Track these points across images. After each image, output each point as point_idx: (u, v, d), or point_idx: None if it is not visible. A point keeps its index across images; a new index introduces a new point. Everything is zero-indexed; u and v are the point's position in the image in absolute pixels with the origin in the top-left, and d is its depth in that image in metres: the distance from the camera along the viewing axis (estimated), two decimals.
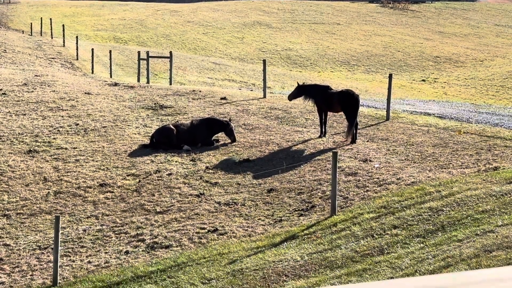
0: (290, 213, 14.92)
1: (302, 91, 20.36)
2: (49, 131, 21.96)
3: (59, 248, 13.19)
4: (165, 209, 15.86)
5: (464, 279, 2.40)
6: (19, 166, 18.97)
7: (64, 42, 47.82)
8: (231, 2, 78.12)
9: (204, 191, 16.72)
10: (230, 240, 13.84)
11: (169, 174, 17.87)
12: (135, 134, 21.56)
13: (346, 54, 56.74)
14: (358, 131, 19.69)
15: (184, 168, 18.33)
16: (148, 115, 23.77)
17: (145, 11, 72.61)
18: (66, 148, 20.36)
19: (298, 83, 20.75)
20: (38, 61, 40.89)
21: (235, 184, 16.99)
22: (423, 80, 49.01)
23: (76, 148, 20.39)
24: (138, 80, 34.83)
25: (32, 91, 27.34)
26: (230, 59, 53.64)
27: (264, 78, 27.00)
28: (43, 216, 16.17)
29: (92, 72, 39.00)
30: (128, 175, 18.08)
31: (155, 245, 14.13)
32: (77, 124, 22.58)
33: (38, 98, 26.24)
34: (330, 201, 14.53)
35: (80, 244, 14.66)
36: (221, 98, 26.14)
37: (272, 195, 16.07)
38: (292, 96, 20.79)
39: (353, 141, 19.18)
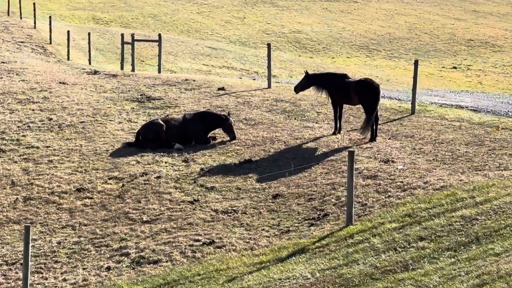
0: (299, 223, 14.92)
1: (311, 81, 20.35)
2: (18, 127, 21.98)
3: (30, 263, 13.21)
4: (153, 218, 15.87)
5: None
6: None
7: (35, 23, 47.85)
8: None
9: (199, 197, 16.73)
10: (229, 254, 13.85)
11: (158, 177, 17.89)
12: (118, 130, 21.58)
13: (365, 37, 56.73)
14: (378, 126, 19.70)
15: (175, 170, 18.34)
16: (133, 108, 23.78)
17: None
18: (37, 147, 20.38)
19: (306, 72, 20.74)
20: (4, 45, 40.94)
21: (235, 189, 16.99)
22: (455, 67, 48.96)
23: (49, 147, 20.41)
24: (122, 68, 34.83)
25: None
26: (229, 43, 53.65)
27: (268, 65, 26.97)
28: (11, 226, 16.19)
29: (68, 59, 39.00)
30: (110, 179, 18.09)
31: (141, 260, 14.14)
32: (51, 119, 22.59)
33: (5, 88, 26.25)
34: (345, 208, 14.53)
35: (54, 258, 14.67)
36: (219, 89, 26.12)
37: (278, 201, 16.08)
38: (299, 88, 20.77)
39: (373, 138, 19.19)
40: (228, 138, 20.41)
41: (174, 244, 14.50)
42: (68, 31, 40.79)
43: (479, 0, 71.14)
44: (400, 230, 13.24)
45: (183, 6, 64.97)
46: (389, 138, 19.45)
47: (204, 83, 27.15)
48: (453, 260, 11.77)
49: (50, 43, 43.22)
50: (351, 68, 45.82)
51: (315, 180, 16.86)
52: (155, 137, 20.10)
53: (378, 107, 19.47)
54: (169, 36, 52.06)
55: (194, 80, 27.79)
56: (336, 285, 11.77)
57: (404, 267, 11.89)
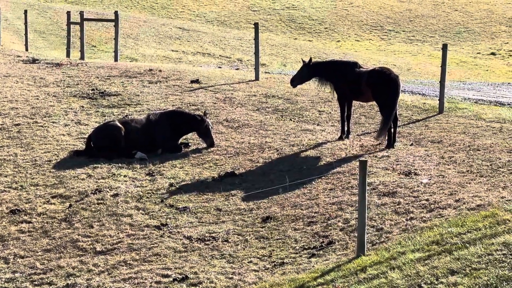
0: (296, 253, 14.93)
1: (312, 71, 20.40)
2: None
3: None
4: (109, 248, 15.83)
5: None
6: None
7: None
8: None
9: (168, 220, 16.70)
10: None
11: (115, 195, 17.85)
12: (63, 135, 21.52)
13: (379, 14, 56.85)
14: (397, 129, 19.74)
15: (138, 186, 18.31)
16: (82, 106, 23.72)
17: None
18: None
19: (304, 61, 20.74)
20: None
21: (214, 210, 16.98)
22: (493, 54, 49.14)
23: None
24: (68, 55, 34.76)
25: None
26: (204, 23, 53.65)
27: (256, 51, 26.96)
28: None
29: None
30: (53, 197, 18.03)
31: None
32: None
33: None
34: (355, 234, 14.55)
35: None
36: (192, 81, 26.09)
37: (269, 226, 16.07)
38: (297, 80, 20.79)
39: (390, 144, 19.22)
40: (205, 145, 20.39)
41: (136, 281, 14.47)
42: None
43: None
44: (426, 262, 13.27)
45: None
46: (411, 144, 19.48)
47: (173, 74, 27.11)
48: None
49: None
50: (362, 54, 45.90)
51: (317, 198, 16.86)
52: (111, 144, 20.05)
53: (397, 105, 19.50)
54: (128, 14, 52.01)
55: (160, 71, 27.73)
56: None
57: None
